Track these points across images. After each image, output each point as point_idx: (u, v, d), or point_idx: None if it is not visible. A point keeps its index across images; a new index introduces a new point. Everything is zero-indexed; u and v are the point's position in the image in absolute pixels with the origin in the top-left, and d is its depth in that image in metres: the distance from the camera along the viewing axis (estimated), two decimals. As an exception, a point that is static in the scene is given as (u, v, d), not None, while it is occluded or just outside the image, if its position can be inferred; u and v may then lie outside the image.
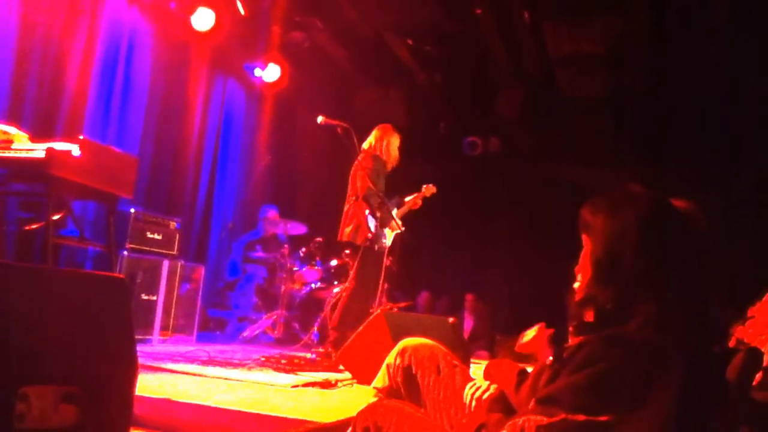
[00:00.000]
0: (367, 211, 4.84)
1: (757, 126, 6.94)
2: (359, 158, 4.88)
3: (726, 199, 6.95)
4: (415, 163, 5.29)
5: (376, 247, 4.94)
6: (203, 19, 6.26)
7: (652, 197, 1.49)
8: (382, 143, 5.08)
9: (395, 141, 5.15)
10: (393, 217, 4.99)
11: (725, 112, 7.10)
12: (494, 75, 7.98)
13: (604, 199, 1.52)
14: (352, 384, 3.72)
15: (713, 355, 1.48)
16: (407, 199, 5.26)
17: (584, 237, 1.53)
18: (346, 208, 5.01)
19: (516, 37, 7.09)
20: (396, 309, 5.33)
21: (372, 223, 4.85)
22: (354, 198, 4.92)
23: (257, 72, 7.32)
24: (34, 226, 3.88)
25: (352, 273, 4.92)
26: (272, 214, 7.29)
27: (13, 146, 3.45)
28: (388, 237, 5.11)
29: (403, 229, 5.12)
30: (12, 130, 3.56)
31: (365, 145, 5.05)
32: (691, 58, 6.75)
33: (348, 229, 4.90)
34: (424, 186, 5.36)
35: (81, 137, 3.63)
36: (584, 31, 6.66)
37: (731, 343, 2.82)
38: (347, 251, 5.34)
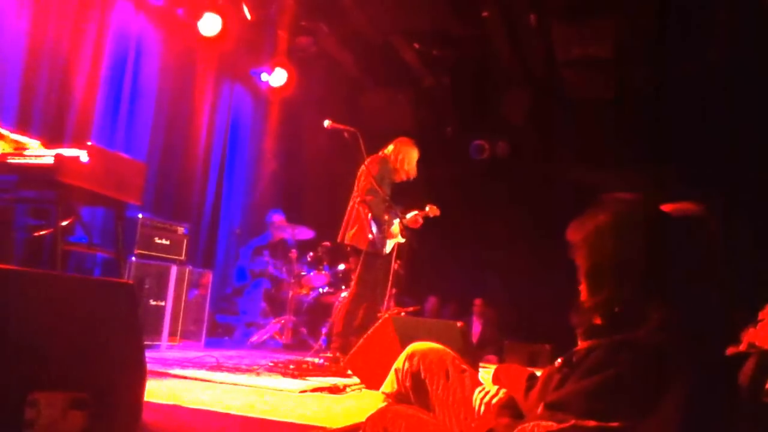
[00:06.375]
0: (369, 215, 4.82)
1: (761, 127, 6.90)
2: (367, 161, 4.88)
3: (731, 201, 6.90)
4: (421, 168, 5.26)
5: (378, 251, 4.88)
6: (210, 25, 6.27)
7: (625, 202, 1.56)
8: (398, 153, 5.11)
9: (413, 155, 5.15)
10: (399, 223, 4.97)
11: (729, 114, 7.06)
12: (500, 78, 7.97)
13: (580, 217, 1.58)
14: (360, 389, 3.72)
15: (724, 359, 1.47)
16: (409, 216, 5.15)
17: (575, 257, 1.57)
18: (349, 209, 4.99)
19: (523, 39, 7.07)
20: (404, 313, 5.31)
21: (374, 227, 4.81)
22: (357, 200, 4.91)
23: (264, 77, 7.34)
24: (43, 233, 3.89)
25: (354, 277, 4.87)
26: (278, 218, 7.28)
27: (26, 152, 3.46)
28: (389, 243, 5.06)
29: (403, 240, 5.09)
30: (24, 139, 3.58)
31: (386, 151, 5.08)
32: (695, 60, 6.73)
33: (351, 232, 4.87)
34: (428, 206, 5.28)
35: (89, 143, 3.64)
36: (591, 33, 6.64)
37: (743, 347, 2.80)
38: (350, 255, 5.23)
